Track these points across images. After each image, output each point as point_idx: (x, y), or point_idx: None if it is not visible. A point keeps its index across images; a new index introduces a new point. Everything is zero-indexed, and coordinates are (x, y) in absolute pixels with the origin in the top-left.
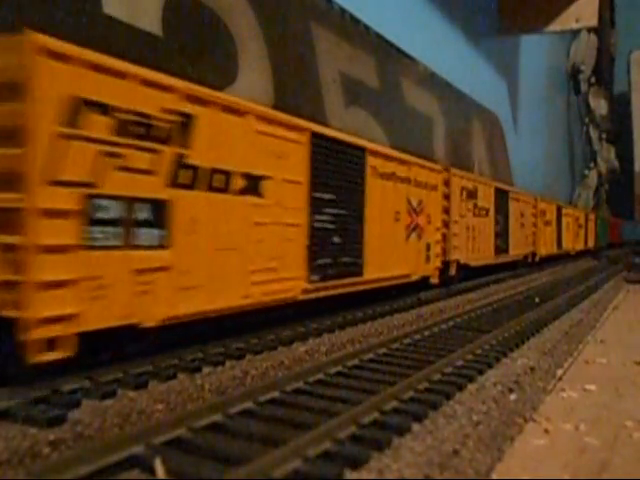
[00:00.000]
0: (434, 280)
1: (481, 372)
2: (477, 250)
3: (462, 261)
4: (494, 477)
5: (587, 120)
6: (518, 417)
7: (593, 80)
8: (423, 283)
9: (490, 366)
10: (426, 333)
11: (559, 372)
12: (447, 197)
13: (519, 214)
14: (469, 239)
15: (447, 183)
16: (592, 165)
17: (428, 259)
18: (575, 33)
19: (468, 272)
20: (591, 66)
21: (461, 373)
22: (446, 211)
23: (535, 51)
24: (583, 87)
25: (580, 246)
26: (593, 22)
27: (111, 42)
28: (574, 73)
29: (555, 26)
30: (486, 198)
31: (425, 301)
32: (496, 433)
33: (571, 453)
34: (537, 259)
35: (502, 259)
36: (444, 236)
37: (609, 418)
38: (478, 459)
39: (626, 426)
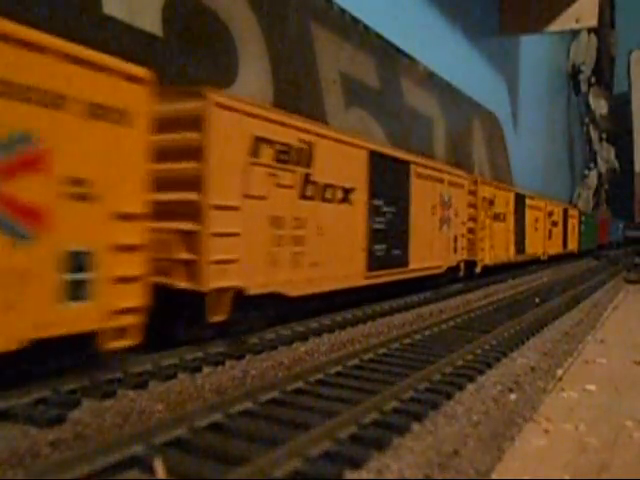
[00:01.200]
0: (112, 343)
1: (481, 372)
2: (312, 265)
3: (251, 290)
4: (494, 477)
5: (587, 120)
6: (518, 417)
7: (593, 80)
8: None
9: (490, 366)
10: (426, 333)
11: (559, 372)
12: (196, 153)
13: (438, 202)
14: (284, 244)
15: (195, 122)
16: (592, 165)
17: (80, 295)
18: (575, 33)
19: (286, 309)
20: (591, 66)
21: (461, 373)
22: (190, 184)
23: (535, 51)
24: (583, 87)
25: (556, 249)
26: (593, 22)
27: (111, 42)
28: (574, 73)
29: (555, 26)
30: (343, 168)
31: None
32: (496, 433)
33: (571, 453)
34: (478, 270)
35: (389, 277)
36: (174, 239)
37: (609, 418)
38: (478, 459)
39: (626, 426)
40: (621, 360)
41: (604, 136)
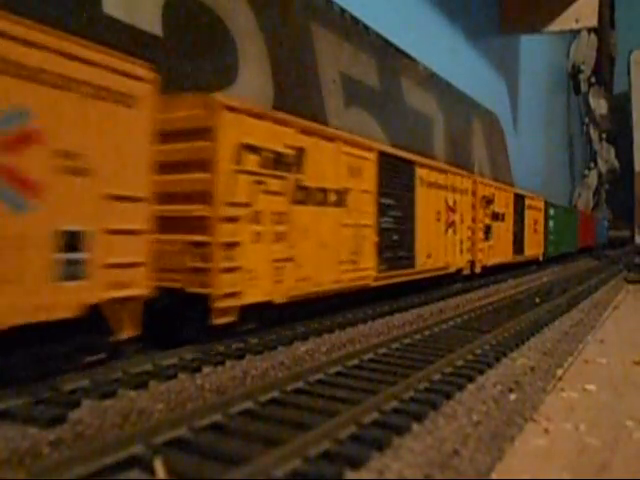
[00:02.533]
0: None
1: (481, 372)
2: None
3: None
4: (494, 477)
5: (587, 120)
6: (518, 417)
7: (593, 80)
8: None
9: (490, 366)
10: (426, 333)
11: (559, 372)
12: None
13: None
14: None
15: None
16: (592, 165)
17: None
18: (575, 33)
19: None
20: (591, 66)
21: (461, 373)
22: None
23: (535, 51)
24: (583, 87)
25: (500, 256)
26: (593, 22)
27: (111, 42)
28: (574, 73)
29: (555, 26)
30: None
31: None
32: (496, 433)
33: (571, 453)
34: (219, 321)
35: None
36: None
37: (609, 418)
38: (478, 459)
39: (626, 426)
40: (621, 360)
41: (604, 136)
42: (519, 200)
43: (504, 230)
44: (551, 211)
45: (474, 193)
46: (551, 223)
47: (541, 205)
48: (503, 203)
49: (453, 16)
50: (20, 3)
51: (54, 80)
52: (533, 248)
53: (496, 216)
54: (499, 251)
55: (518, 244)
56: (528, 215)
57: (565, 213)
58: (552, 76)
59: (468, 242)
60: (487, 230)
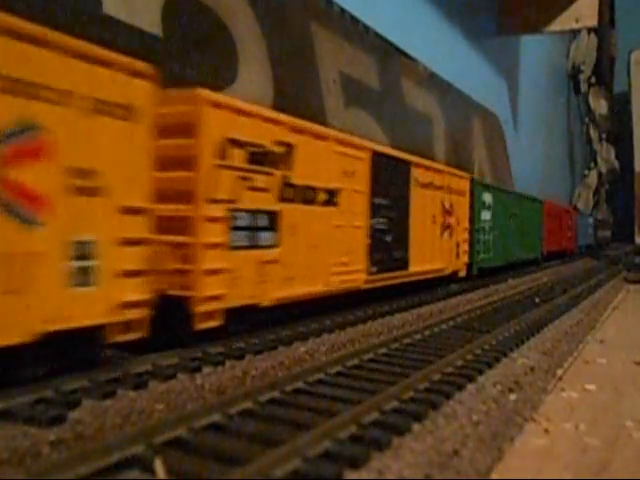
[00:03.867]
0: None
1: (481, 372)
2: None
3: None
4: (494, 477)
5: (587, 120)
6: (518, 417)
7: (593, 80)
8: None
9: (490, 366)
10: (426, 333)
11: (559, 372)
12: None
13: None
14: None
15: None
16: (592, 165)
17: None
18: (575, 33)
19: None
20: (591, 66)
21: (461, 373)
22: None
23: (535, 51)
24: (583, 87)
25: (320, 282)
26: (593, 22)
27: (111, 42)
28: (574, 73)
29: (555, 26)
30: None
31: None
32: (496, 433)
33: (571, 453)
34: None
35: None
36: None
37: (609, 418)
38: (478, 459)
39: (626, 426)
40: (621, 360)
41: (604, 136)
42: (392, 167)
43: (335, 225)
44: (486, 197)
45: (192, 130)
46: (486, 216)
47: (463, 185)
48: (336, 168)
49: (453, 16)
50: (21, 1)
51: None
52: (435, 258)
53: (308, 195)
54: (312, 271)
55: (390, 252)
56: (424, 199)
57: (518, 202)
58: (552, 76)
59: (118, 259)
60: (257, 225)
